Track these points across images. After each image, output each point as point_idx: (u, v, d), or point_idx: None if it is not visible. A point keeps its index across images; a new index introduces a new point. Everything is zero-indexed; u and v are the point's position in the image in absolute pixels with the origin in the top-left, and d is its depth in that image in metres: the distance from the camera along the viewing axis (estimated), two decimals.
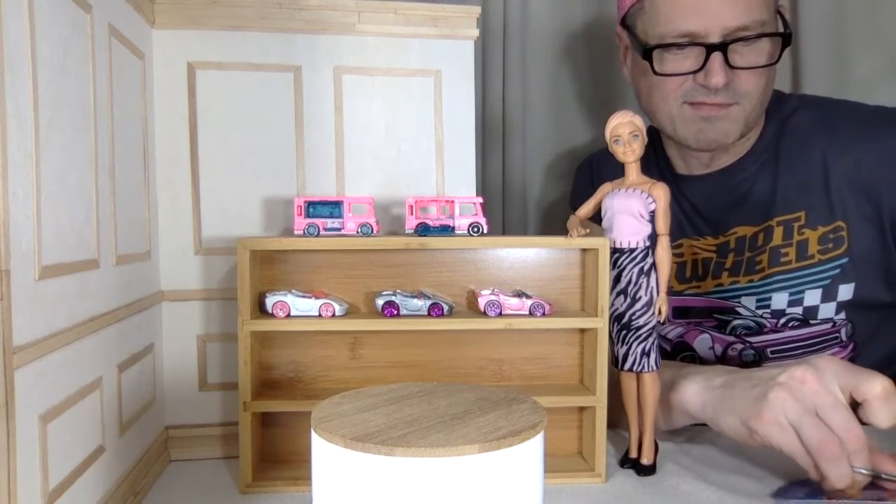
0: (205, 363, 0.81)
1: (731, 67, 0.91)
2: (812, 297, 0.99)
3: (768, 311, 1.01)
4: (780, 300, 1.00)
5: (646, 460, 0.75)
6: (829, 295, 0.98)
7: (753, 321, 1.02)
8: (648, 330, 0.74)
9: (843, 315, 0.99)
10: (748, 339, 1.02)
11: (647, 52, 0.94)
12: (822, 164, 0.98)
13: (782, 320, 1.01)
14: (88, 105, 0.58)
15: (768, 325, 1.01)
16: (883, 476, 0.64)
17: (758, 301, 1.02)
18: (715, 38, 0.90)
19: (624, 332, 0.74)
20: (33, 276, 0.47)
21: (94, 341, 0.58)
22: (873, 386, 0.64)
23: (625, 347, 0.75)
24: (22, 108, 0.46)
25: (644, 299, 0.73)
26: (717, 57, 0.90)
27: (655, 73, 0.95)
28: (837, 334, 1.00)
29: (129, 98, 0.70)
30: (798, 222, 0.99)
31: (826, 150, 0.98)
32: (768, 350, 1.01)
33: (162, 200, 0.80)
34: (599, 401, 0.74)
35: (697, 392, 0.76)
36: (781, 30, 0.95)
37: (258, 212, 0.82)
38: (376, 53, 0.83)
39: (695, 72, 0.93)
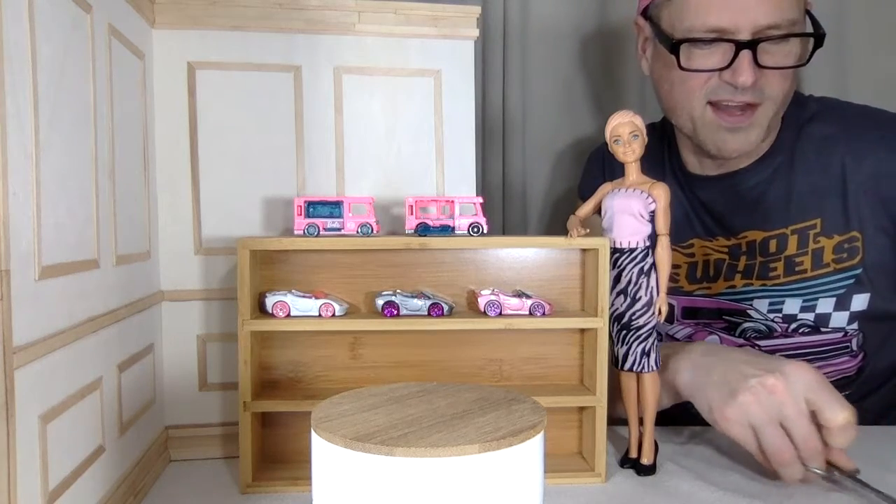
0: (205, 363, 0.81)
1: (760, 67, 0.89)
2: (825, 305, 0.98)
3: (780, 315, 1.00)
4: (792, 305, 0.99)
5: (646, 460, 0.75)
6: (842, 304, 0.97)
7: (764, 324, 1.01)
8: (648, 330, 0.74)
9: (855, 325, 0.98)
10: (758, 342, 1.01)
11: (674, 46, 0.91)
12: (840, 171, 0.96)
13: (793, 325, 1.00)
14: (88, 105, 0.58)
15: (779, 329, 1.00)
16: (835, 475, 0.71)
17: (770, 304, 1.01)
18: (745, 35, 0.88)
19: (624, 332, 0.74)
20: (33, 276, 0.47)
21: (94, 341, 0.58)
22: (836, 416, 0.68)
23: (625, 347, 0.75)
24: (22, 108, 0.46)
25: (644, 299, 0.73)
26: (746, 55, 0.88)
27: (682, 67, 0.91)
28: (848, 344, 0.99)
29: (129, 98, 0.70)
30: (813, 230, 0.98)
31: (844, 156, 0.96)
32: (777, 355, 0.99)
33: (162, 200, 0.80)
34: (599, 401, 0.74)
35: (682, 370, 0.80)
36: (810, 29, 0.92)
37: (258, 212, 0.82)
38: (376, 53, 0.83)
39: (722, 69, 0.90)
